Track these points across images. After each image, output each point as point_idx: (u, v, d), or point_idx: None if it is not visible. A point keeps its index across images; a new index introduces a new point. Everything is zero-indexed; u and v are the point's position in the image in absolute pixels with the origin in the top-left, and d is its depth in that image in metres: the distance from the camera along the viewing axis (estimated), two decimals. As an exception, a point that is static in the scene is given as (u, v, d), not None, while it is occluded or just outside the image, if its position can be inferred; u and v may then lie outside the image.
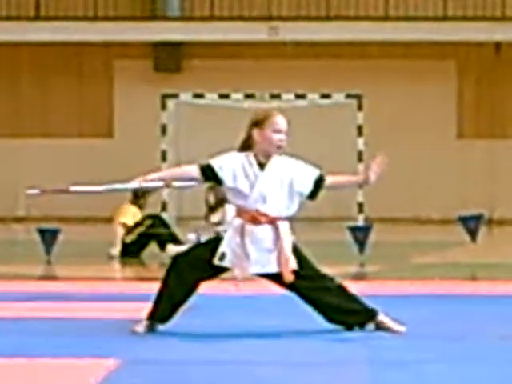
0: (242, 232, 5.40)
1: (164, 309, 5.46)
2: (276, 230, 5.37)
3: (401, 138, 18.93)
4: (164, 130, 15.08)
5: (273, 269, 5.29)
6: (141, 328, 5.45)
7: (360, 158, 14.78)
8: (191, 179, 5.63)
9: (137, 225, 12.81)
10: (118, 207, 12.84)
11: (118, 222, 13.04)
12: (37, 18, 18.61)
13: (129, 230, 12.95)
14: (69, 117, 19.94)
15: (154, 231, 12.93)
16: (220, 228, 11.77)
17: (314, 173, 5.41)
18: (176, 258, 5.63)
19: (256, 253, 5.33)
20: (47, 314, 7.04)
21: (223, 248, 5.32)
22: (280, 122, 5.41)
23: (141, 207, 12.74)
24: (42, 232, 12.35)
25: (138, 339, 5.85)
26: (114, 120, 19.87)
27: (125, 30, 18.73)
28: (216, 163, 5.31)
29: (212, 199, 12.51)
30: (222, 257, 5.28)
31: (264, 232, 5.39)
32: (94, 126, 19.71)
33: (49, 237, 12.03)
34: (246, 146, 5.36)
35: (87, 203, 16.58)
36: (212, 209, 12.65)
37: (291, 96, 15.42)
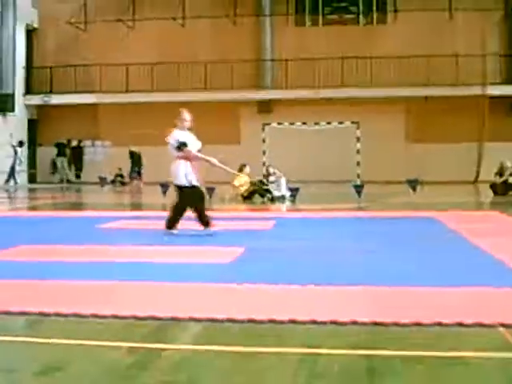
0: (192, 165, 10.15)
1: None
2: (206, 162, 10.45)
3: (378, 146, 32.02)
4: (264, 141, 27.95)
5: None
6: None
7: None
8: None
9: (250, 184, 20.19)
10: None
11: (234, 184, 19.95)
12: (205, 89, 33.75)
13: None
14: (222, 134, 33.03)
15: (258, 187, 20.45)
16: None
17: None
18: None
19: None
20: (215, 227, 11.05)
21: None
22: (184, 114, 10.28)
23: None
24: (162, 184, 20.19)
25: (252, 239, 9.88)
26: (241, 135, 34.11)
27: (243, 94, 33.65)
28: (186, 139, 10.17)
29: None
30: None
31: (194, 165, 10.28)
32: (231, 138, 33.71)
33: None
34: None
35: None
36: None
37: (324, 123, 29.59)
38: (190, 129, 10.86)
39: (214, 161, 11.15)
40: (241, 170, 20.15)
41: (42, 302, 5.76)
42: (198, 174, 10.55)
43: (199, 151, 10.75)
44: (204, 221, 10.71)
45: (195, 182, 10.48)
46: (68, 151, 35.73)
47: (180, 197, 10.62)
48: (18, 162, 32.34)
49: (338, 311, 5.41)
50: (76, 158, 35.95)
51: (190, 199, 10.52)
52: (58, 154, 35.57)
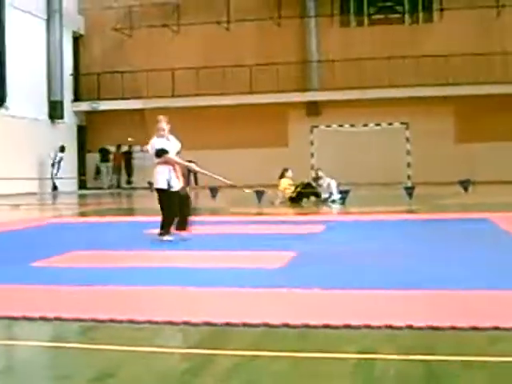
0: (174, 171, 10.56)
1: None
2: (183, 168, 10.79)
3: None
4: (312, 143, 27.60)
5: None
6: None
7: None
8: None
9: (296, 187, 20.44)
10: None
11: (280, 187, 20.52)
12: (251, 92, 33.85)
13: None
14: (269, 137, 34.20)
15: (305, 190, 20.70)
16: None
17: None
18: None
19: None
20: (264, 231, 12.13)
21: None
22: (161, 123, 10.72)
23: None
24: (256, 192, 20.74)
25: (303, 244, 9.91)
26: (288, 138, 34.39)
27: (290, 96, 33.60)
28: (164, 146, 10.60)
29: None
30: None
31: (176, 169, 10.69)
32: (278, 141, 34.17)
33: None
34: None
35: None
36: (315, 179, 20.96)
37: (372, 124, 29.23)
38: (162, 135, 11.11)
39: (193, 166, 11.96)
40: (283, 174, 20.47)
41: (96, 309, 5.80)
42: (180, 178, 10.94)
43: (178, 153, 11.15)
44: (181, 225, 11.05)
45: (177, 187, 10.84)
46: (111, 157, 36.07)
47: (162, 201, 10.94)
48: (55, 167, 32.57)
49: (392, 315, 5.36)
50: (126, 163, 36.20)
51: (172, 202, 10.84)
52: (102, 160, 36.03)
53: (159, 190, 10.94)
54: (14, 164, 28.53)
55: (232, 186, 14.60)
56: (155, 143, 10.95)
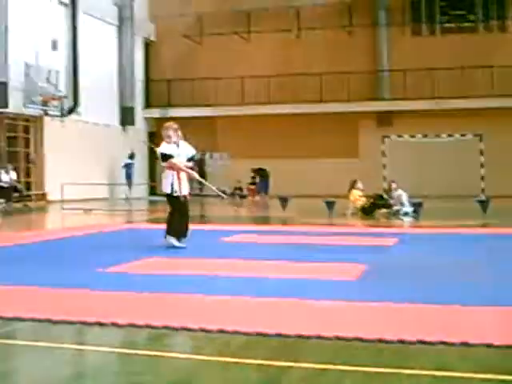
0: (178, 176, 10.93)
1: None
2: (186, 174, 11.03)
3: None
4: (383, 153, 26.69)
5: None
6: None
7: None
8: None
9: (369, 198, 20.20)
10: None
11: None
12: (321, 101, 33.94)
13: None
14: (339, 147, 34.12)
15: (378, 202, 20.38)
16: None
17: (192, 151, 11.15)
18: None
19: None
20: (336, 242, 12.18)
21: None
22: (168, 131, 11.01)
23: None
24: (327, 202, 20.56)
25: (375, 256, 10.03)
26: (359, 149, 34.21)
27: (360, 105, 33.68)
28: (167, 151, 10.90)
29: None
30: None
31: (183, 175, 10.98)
32: (348, 151, 34.09)
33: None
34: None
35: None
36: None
37: (445, 135, 28.43)
38: (169, 142, 11.30)
39: (195, 174, 11.93)
40: (352, 186, 20.24)
41: (169, 316, 5.84)
42: (186, 184, 11.27)
43: (191, 159, 11.46)
44: (175, 232, 11.24)
45: (179, 193, 11.10)
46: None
47: (169, 205, 11.33)
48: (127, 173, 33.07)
49: (468, 332, 5.28)
50: (199, 170, 36.16)
51: (175, 207, 11.20)
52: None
53: (166, 195, 11.29)
54: (86, 169, 29.00)
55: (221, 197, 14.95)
56: (163, 148, 11.20)
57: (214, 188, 13.68)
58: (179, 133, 11.34)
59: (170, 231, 11.22)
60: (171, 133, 11.18)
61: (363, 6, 35.30)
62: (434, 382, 4.28)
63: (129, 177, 32.64)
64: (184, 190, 11.20)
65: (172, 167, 11.11)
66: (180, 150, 11.26)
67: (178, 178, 11.12)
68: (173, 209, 11.25)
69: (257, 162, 33.58)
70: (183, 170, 11.27)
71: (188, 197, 11.49)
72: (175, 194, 11.13)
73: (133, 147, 33.27)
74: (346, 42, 34.94)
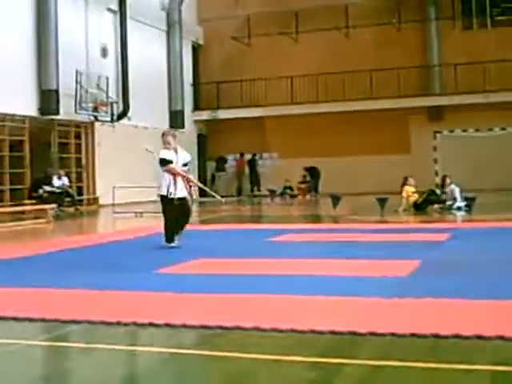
0: (174, 180, 11.40)
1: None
2: (183, 178, 11.53)
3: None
4: (435, 149, 27.13)
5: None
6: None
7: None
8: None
9: (422, 194, 19.97)
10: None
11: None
12: (371, 98, 33.79)
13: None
14: (390, 143, 33.86)
15: (430, 197, 20.18)
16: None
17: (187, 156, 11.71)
18: None
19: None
20: (388, 239, 12.15)
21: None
22: (167, 137, 11.63)
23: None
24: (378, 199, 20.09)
25: (428, 252, 10.21)
26: (411, 144, 33.85)
27: (411, 101, 33.33)
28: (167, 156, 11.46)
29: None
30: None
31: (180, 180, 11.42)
32: (400, 147, 33.80)
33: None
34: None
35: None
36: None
37: (497, 129, 28.40)
38: (168, 147, 11.80)
39: (192, 178, 12.39)
40: (404, 182, 20.15)
41: (222, 315, 5.85)
42: (183, 187, 11.62)
43: (186, 164, 11.90)
44: (167, 234, 11.62)
45: (177, 195, 11.49)
46: (227, 166, 36.55)
47: (163, 207, 11.71)
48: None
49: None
50: (251, 171, 36.51)
51: (169, 209, 11.54)
52: (217, 169, 36.62)
53: (161, 197, 11.71)
54: (136, 173, 29.17)
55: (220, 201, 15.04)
56: (162, 154, 11.69)
57: (212, 193, 14.26)
58: (176, 139, 11.92)
59: (167, 236, 11.66)
60: (170, 139, 11.73)
61: (412, 1, 35.01)
62: (492, 377, 4.21)
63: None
64: (180, 193, 11.58)
65: (171, 171, 11.58)
66: (178, 155, 11.75)
67: (175, 182, 11.54)
68: (165, 210, 11.69)
69: (307, 161, 33.50)
70: (181, 175, 11.68)
71: (189, 199, 12.01)
72: (170, 197, 11.53)
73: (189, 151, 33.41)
74: (395, 38, 34.68)
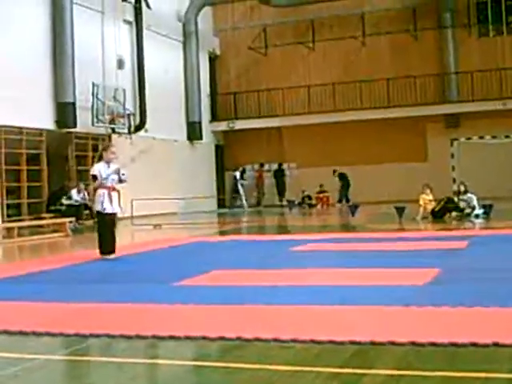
0: (109, 194, 11.67)
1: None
2: (116, 191, 11.77)
3: None
4: (452, 156, 26.28)
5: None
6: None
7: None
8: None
9: (439, 201, 20.29)
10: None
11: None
12: (388, 106, 33.76)
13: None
14: (407, 151, 33.96)
15: (448, 205, 20.26)
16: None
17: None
18: None
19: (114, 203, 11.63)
20: (407, 247, 12.21)
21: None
22: (113, 149, 11.98)
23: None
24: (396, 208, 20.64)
25: (447, 260, 10.19)
26: (428, 152, 34.00)
27: (428, 109, 33.37)
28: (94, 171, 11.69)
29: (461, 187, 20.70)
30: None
31: (114, 194, 11.71)
32: (417, 155, 33.96)
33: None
34: (100, 158, 11.85)
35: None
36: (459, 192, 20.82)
37: None
38: (110, 159, 12.14)
39: (121, 190, 12.28)
40: (422, 190, 20.28)
41: (241, 327, 5.86)
42: (115, 202, 11.81)
43: (118, 172, 11.96)
44: (102, 248, 11.84)
45: (110, 210, 11.74)
46: (246, 176, 36.60)
47: (97, 221, 12.07)
48: (239, 187, 34.48)
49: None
50: (278, 181, 36.50)
51: (102, 224, 11.83)
52: (241, 178, 36.63)
53: (96, 211, 12.05)
54: (154, 185, 29.29)
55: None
56: (93, 169, 12.04)
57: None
58: (109, 151, 12.16)
59: (102, 250, 11.91)
60: (114, 150, 12.18)
61: (428, 9, 35.07)
62: (511, 385, 4.22)
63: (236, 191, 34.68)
64: (113, 208, 11.86)
65: (102, 186, 11.81)
66: (110, 169, 11.94)
67: (109, 197, 11.75)
68: (100, 225, 11.96)
69: (324, 171, 33.53)
70: (111, 189, 11.86)
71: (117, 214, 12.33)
72: (104, 212, 11.79)
73: (200, 161, 33.40)
74: (411, 46, 34.79)
